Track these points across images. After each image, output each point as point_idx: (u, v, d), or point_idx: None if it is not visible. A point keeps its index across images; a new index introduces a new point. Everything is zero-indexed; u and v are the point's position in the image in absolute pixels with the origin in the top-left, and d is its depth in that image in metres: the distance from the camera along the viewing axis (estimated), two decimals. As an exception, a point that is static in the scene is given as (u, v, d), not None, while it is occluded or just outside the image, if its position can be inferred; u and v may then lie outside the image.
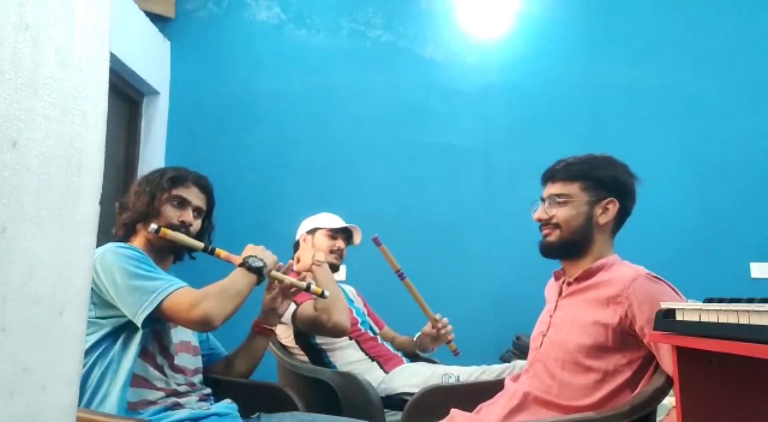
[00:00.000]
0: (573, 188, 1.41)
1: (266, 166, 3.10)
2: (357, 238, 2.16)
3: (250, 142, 3.13)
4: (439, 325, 2.04)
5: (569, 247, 1.41)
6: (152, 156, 3.06)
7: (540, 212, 1.44)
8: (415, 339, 2.14)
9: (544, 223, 1.43)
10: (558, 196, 1.42)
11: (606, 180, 1.40)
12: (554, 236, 1.41)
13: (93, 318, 1.30)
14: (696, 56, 3.03)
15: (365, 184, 3.04)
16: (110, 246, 1.35)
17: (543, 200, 1.46)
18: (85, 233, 0.72)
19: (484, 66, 3.13)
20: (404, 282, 2.06)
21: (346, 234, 2.13)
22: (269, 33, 3.24)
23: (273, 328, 1.62)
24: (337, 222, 2.11)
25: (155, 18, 3.10)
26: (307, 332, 1.92)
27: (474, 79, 3.12)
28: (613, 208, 1.39)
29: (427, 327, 2.08)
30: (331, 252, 2.05)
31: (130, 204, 1.46)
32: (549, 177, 1.47)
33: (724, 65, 3.00)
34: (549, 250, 1.44)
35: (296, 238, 2.14)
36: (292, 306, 1.87)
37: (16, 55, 0.59)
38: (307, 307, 1.85)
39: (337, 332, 1.81)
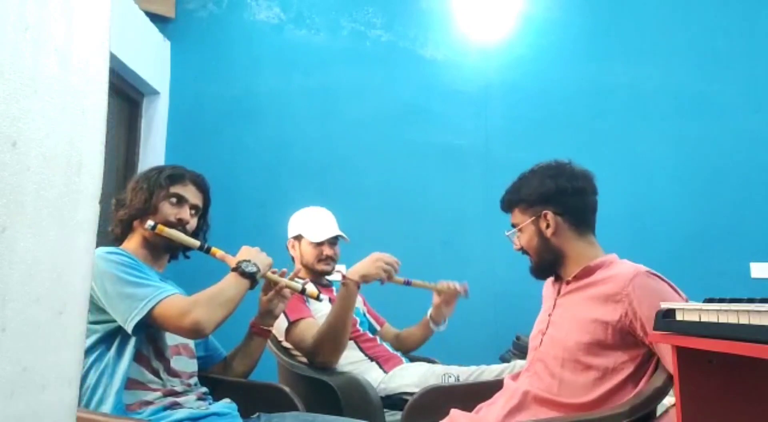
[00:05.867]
0: (517, 216, 1.50)
1: (266, 166, 3.10)
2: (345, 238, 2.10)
3: (250, 142, 3.13)
4: (439, 287, 2.03)
5: (547, 267, 1.49)
6: (152, 156, 3.06)
7: (514, 244, 1.53)
8: (427, 316, 2.12)
9: (522, 252, 1.52)
10: (512, 226, 1.52)
11: (531, 197, 1.46)
12: (532, 262, 1.50)
13: (87, 322, 1.29)
14: (696, 56, 3.02)
15: (365, 183, 3.04)
16: (99, 251, 1.32)
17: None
18: (85, 233, 0.72)
19: (484, 66, 3.13)
20: (413, 284, 2.01)
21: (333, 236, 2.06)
22: (269, 33, 3.24)
23: (270, 328, 1.62)
24: (321, 231, 2.04)
25: (155, 18, 3.10)
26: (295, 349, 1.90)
27: (474, 79, 3.11)
28: (552, 217, 1.43)
29: (435, 298, 2.08)
30: (319, 261, 2.03)
31: (127, 201, 1.46)
32: (502, 210, 1.56)
33: (724, 65, 2.99)
34: (537, 275, 1.52)
35: (288, 236, 2.11)
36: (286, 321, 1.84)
37: (16, 55, 0.59)
38: (307, 329, 1.80)
39: (323, 366, 1.80)
